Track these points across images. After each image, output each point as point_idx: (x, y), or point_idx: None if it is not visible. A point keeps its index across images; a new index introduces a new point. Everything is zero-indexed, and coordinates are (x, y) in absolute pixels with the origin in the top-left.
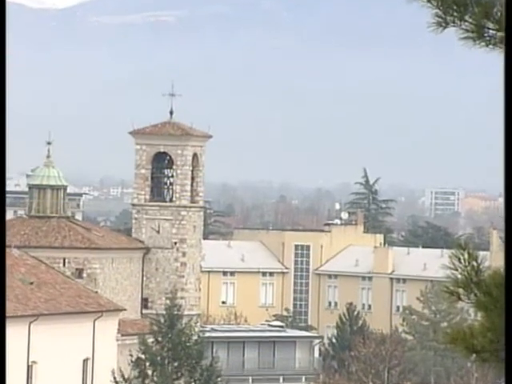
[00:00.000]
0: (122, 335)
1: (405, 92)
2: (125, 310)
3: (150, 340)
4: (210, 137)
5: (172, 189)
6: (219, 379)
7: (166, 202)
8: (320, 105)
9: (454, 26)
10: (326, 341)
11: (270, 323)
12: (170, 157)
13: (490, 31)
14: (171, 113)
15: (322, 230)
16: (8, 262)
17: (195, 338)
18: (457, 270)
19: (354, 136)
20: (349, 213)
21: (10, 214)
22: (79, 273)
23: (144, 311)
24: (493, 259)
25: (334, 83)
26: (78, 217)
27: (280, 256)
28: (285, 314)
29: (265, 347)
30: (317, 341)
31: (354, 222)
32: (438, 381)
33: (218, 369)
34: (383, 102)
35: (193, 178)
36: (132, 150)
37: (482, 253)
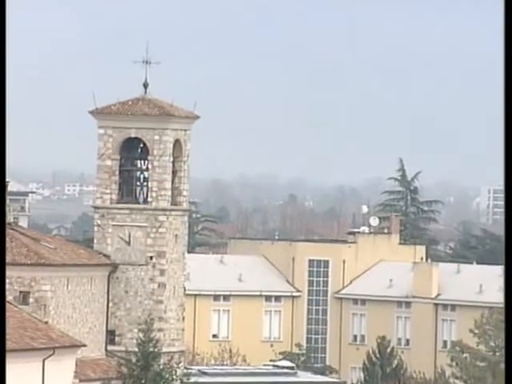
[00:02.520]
0: (81, 380)
1: (451, 59)
2: (84, 345)
3: None
4: (197, 117)
5: (147, 186)
6: None
7: (138, 203)
8: (342, 76)
9: None
10: None
11: (277, 364)
12: (145, 144)
13: None
14: (146, 86)
15: (345, 241)
16: None
17: (177, 383)
18: None
19: (386, 117)
20: (380, 218)
21: None
22: (24, 297)
23: (110, 347)
24: None
25: (360, 48)
26: (23, 223)
27: (289, 275)
28: (296, 351)
29: None
30: None
31: (386, 230)
32: None
33: None
34: (424, 74)
35: (174, 173)
36: (94, 134)
37: None
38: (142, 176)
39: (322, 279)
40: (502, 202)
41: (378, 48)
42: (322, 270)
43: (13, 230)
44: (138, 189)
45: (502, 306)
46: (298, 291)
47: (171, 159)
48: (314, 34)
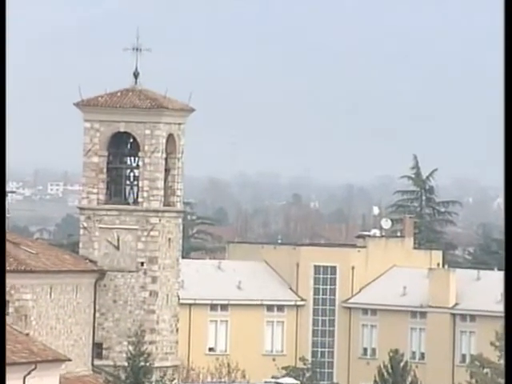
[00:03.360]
0: None
1: (471, 44)
2: (69, 360)
3: None
4: (192, 110)
5: (137, 185)
6: None
7: (128, 204)
8: (349, 63)
9: None
10: None
11: (279, 380)
12: (135, 139)
13: None
14: (136, 75)
15: (354, 245)
16: None
17: None
18: None
19: (398, 111)
20: (392, 220)
21: None
22: None
23: (97, 362)
24: None
25: (369, 33)
26: None
27: (293, 282)
28: (300, 365)
29: None
30: None
31: (399, 234)
32: None
33: None
34: (439, 61)
35: (167, 171)
36: (79, 128)
37: None
38: (131, 174)
39: (328, 287)
40: None
41: (385, 39)
42: (328, 276)
43: None
44: (128, 188)
45: None
46: (303, 300)
47: (164, 156)
48: (317, 23)
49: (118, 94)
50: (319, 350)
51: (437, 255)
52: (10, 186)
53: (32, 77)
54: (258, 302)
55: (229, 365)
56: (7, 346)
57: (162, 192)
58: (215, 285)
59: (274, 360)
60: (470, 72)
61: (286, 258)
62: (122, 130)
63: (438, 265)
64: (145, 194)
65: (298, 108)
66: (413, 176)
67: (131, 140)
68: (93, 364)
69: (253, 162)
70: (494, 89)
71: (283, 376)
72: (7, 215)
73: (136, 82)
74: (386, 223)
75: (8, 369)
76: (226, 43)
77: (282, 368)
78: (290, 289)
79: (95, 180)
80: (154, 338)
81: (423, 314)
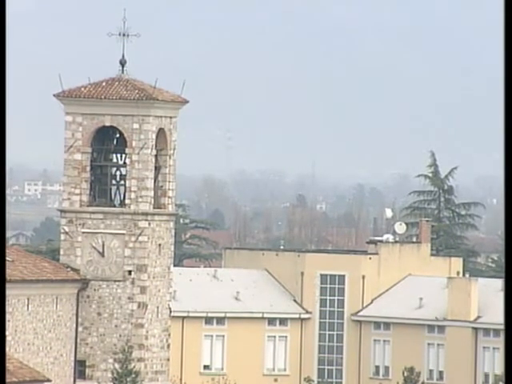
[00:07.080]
0: None
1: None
2: (48, 380)
3: None
4: (185, 102)
5: (124, 185)
6: None
7: (114, 206)
8: (359, 52)
9: None
10: None
11: None
12: (122, 134)
13: None
14: (123, 63)
15: (365, 252)
16: None
17: None
18: None
19: (414, 103)
20: (407, 224)
21: None
22: None
23: (79, 382)
24: None
25: (374, 28)
26: None
27: (297, 293)
28: None
29: None
30: None
31: (415, 239)
32: None
33: None
34: (455, 53)
35: (157, 169)
36: (60, 122)
37: None
38: (118, 173)
39: (336, 298)
40: None
41: (397, 28)
42: (336, 286)
43: None
44: (114, 188)
45: None
46: (308, 312)
47: (154, 152)
48: (323, 6)
49: (103, 83)
50: (326, 368)
51: (457, 263)
52: None
53: (7, 64)
54: (259, 315)
55: None
56: None
57: (151, 193)
58: (210, 296)
59: (275, 380)
60: (491, 60)
61: (289, 265)
62: (107, 123)
63: (458, 273)
64: (132, 195)
65: (303, 98)
66: (430, 175)
67: (117, 135)
68: None
69: (252, 158)
70: None
71: None
72: None
73: (123, 71)
74: (401, 227)
75: None
76: (221, 28)
77: None
78: (294, 300)
79: (78, 179)
80: (143, 355)
81: (441, 329)
